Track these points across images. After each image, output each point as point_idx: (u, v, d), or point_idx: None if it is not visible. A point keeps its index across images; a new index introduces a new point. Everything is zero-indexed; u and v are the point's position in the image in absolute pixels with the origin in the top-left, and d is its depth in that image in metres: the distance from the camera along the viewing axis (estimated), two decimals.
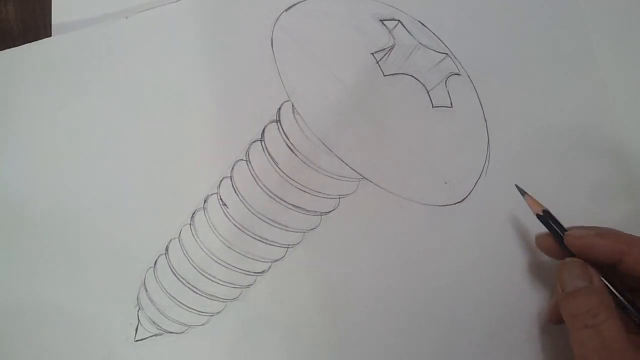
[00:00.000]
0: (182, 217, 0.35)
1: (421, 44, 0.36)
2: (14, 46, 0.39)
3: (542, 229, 0.31)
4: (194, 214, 0.35)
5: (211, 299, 0.34)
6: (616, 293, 0.29)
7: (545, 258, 0.33)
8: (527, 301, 0.34)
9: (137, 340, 0.34)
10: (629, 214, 0.35)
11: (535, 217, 0.31)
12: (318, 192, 0.35)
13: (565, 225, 0.31)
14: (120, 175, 0.36)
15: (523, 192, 0.32)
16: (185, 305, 0.34)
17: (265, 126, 0.36)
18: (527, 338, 0.34)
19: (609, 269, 0.29)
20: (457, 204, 0.35)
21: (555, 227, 0.31)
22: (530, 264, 0.34)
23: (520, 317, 0.34)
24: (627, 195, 0.35)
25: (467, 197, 0.35)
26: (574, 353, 0.28)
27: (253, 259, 0.35)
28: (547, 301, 0.34)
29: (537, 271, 0.34)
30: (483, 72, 0.36)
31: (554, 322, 0.32)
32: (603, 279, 0.29)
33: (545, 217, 0.31)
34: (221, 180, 0.35)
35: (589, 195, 0.35)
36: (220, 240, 0.35)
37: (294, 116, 0.35)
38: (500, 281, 0.34)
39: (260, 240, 0.35)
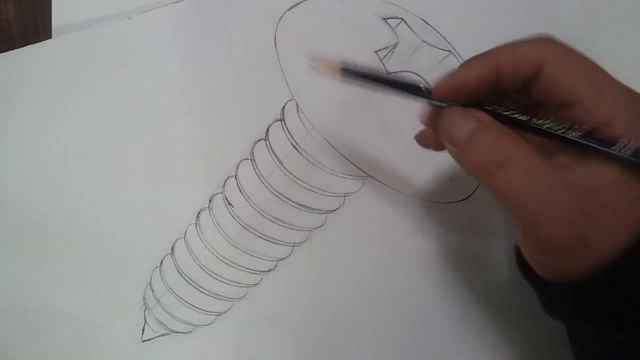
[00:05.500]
0: (188, 216, 0.35)
1: (424, 41, 0.36)
2: (13, 48, 0.38)
3: None
4: (199, 213, 0.35)
5: (217, 298, 0.34)
6: (517, 117, 0.24)
7: None
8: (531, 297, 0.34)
9: (144, 341, 0.34)
10: None
11: None
12: (323, 190, 0.35)
13: None
14: (124, 176, 0.36)
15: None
16: (192, 305, 0.34)
17: (270, 125, 0.36)
18: (530, 332, 0.34)
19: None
20: (462, 201, 0.35)
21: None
22: None
23: (523, 313, 0.34)
24: None
25: (472, 193, 0.35)
26: (508, 211, 0.23)
27: (259, 258, 0.35)
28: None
29: None
30: None
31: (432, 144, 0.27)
32: (488, 108, 0.24)
33: (347, 72, 0.25)
34: (226, 180, 0.35)
35: None
36: (226, 240, 0.35)
37: (298, 115, 0.35)
38: (505, 277, 0.34)
39: (265, 239, 0.35)
